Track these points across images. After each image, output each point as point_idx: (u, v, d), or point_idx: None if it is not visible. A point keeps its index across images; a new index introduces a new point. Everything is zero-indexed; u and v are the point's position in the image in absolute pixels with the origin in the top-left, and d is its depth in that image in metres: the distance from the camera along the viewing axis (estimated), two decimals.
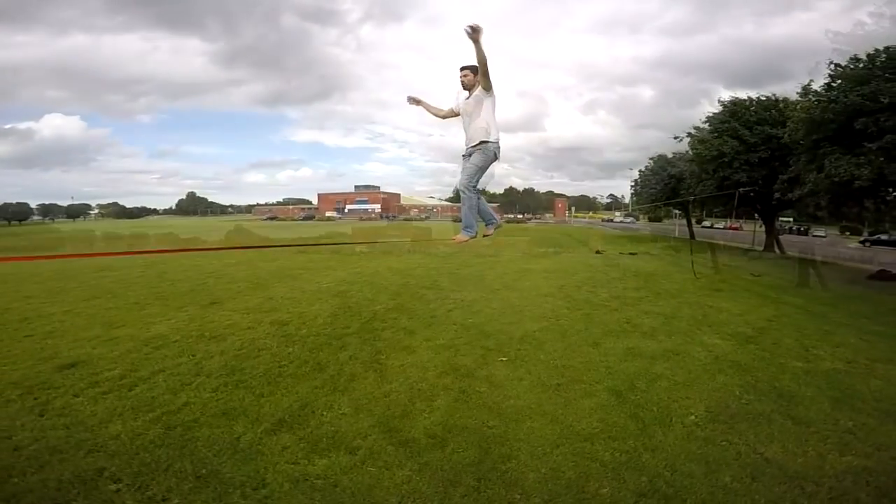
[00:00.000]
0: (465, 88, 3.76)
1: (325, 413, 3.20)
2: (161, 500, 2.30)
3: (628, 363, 4.27)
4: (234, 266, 10.37)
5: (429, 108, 4.09)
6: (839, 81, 12.80)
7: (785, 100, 17.99)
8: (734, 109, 18.41)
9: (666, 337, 5.13)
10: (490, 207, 4.29)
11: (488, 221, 4.17)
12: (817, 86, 14.48)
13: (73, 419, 3.06)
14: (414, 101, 4.06)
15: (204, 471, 2.52)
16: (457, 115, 3.91)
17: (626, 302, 6.95)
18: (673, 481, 2.41)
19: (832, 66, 13.22)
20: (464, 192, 3.90)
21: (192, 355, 4.37)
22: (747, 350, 4.76)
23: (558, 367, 4.14)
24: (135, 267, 10.34)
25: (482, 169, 3.83)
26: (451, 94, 3.98)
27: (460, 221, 4.09)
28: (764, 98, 18.50)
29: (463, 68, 3.74)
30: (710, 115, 19.34)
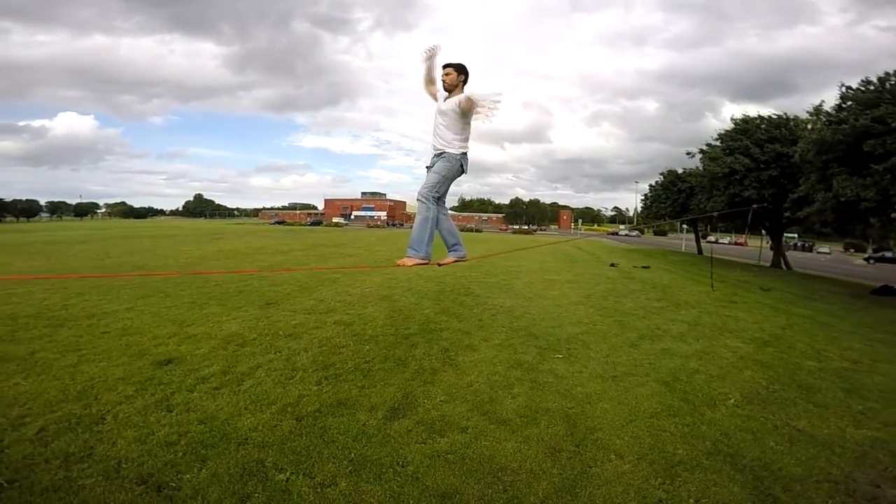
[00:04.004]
0: (445, 89, 3.55)
1: (426, 401, 3.61)
2: (330, 484, 2.44)
3: (667, 361, 4.90)
4: (270, 269, 10.83)
5: (430, 70, 3.70)
6: (849, 103, 13.21)
7: (795, 118, 18.56)
8: (745, 127, 19.08)
9: (694, 341, 5.78)
10: (457, 229, 3.78)
11: (451, 246, 3.69)
12: (828, 106, 14.91)
13: (203, 414, 3.15)
14: (431, 54, 3.67)
15: (352, 455, 2.72)
16: (434, 98, 3.69)
17: (650, 311, 7.58)
18: (731, 444, 3.06)
19: (843, 88, 13.65)
20: (420, 201, 3.48)
21: (279, 352, 4.71)
22: (766, 352, 5.45)
23: (609, 363, 4.75)
24: (172, 267, 10.68)
25: (446, 178, 3.50)
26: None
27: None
28: (774, 116, 19.17)
29: (445, 66, 3.52)
30: (722, 132, 20.05)
